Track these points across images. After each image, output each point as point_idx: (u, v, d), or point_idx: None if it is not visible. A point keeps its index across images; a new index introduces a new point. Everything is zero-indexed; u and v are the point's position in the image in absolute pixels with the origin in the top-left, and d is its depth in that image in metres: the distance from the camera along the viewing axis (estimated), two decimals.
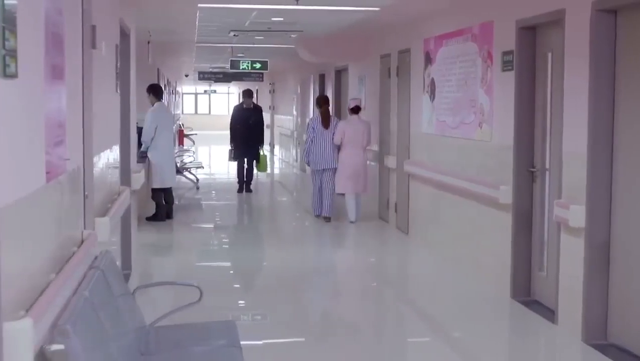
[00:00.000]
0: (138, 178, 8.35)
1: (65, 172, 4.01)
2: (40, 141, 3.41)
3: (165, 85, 20.61)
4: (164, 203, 11.80)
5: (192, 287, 4.99)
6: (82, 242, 4.48)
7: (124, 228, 8.10)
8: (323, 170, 11.86)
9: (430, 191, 9.69)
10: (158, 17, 10.01)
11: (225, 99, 46.89)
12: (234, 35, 12.61)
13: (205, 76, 22.72)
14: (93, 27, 5.05)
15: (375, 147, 12.29)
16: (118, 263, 7.07)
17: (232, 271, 9.16)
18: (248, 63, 16.69)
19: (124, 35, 7.91)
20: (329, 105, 12.38)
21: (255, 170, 15.60)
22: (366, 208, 12.74)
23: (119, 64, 6.85)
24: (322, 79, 17.66)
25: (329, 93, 16.39)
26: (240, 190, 15.47)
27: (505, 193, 7.36)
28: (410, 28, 10.43)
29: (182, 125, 33.56)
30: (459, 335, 6.50)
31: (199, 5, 9.12)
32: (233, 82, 25.35)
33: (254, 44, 14.58)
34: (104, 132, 5.76)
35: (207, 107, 49.03)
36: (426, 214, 9.94)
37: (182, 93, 48.25)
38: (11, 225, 2.89)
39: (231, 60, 16.48)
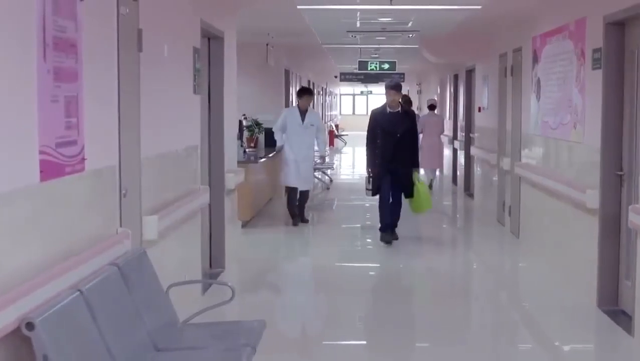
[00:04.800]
0: (232, 178, 8.49)
1: (82, 171, 4.14)
2: (29, 142, 3.54)
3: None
4: (291, 202, 11.76)
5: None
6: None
7: (215, 227, 8.29)
8: None
9: (536, 194, 9.37)
10: (260, 19, 10.16)
11: (382, 100, 47.05)
12: (352, 36, 12.64)
13: (346, 77, 22.85)
14: (139, 31, 5.19)
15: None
16: (201, 262, 7.26)
17: (348, 272, 9.07)
18: (376, 64, 16.66)
19: (217, 38, 8.09)
20: (411, 105, 15.17)
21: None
22: (485, 212, 12.61)
23: (197, 65, 7.00)
24: (455, 79, 17.45)
25: (460, 93, 16.42)
26: (383, 229, 10.17)
27: (592, 197, 7.02)
28: (522, 26, 10.11)
29: (334, 126, 33.96)
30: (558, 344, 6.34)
31: (298, 7, 9.20)
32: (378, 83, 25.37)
33: (378, 44, 14.56)
34: (163, 132, 5.89)
35: (364, 108, 49.42)
36: (533, 217, 9.62)
37: (340, 95, 48.87)
38: None
39: (359, 61, 16.52)
